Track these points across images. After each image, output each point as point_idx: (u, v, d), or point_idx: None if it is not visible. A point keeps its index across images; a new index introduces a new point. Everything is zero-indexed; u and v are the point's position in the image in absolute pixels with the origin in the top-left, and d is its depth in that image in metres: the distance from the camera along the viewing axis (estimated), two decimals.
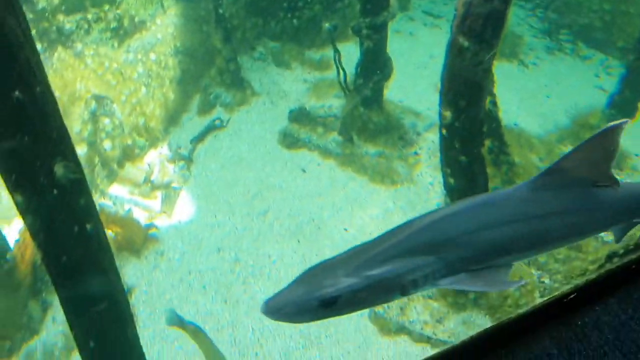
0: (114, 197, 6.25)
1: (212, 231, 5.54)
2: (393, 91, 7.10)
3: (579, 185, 2.00)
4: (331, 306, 1.74)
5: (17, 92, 2.09)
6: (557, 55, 9.19)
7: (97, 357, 2.57)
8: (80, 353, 2.59)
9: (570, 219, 2.03)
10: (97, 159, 6.48)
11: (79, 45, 7.23)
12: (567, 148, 6.10)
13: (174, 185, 6.50)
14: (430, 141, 6.23)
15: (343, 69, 6.31)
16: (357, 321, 4.29)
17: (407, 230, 1.93)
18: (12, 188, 2.29)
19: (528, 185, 2.00)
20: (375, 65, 5.98)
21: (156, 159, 6.89)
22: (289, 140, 6.82)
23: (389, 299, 1.90)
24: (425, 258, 1.86)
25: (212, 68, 8.34)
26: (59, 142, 2.30)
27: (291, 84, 8.18)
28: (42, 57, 2.18)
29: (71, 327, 2.54)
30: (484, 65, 3.26)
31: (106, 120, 6.72)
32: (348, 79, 6.34)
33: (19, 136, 2.17)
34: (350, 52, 6.97)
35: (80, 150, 6.38)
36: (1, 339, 4.07)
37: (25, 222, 2.36)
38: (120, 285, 2.65)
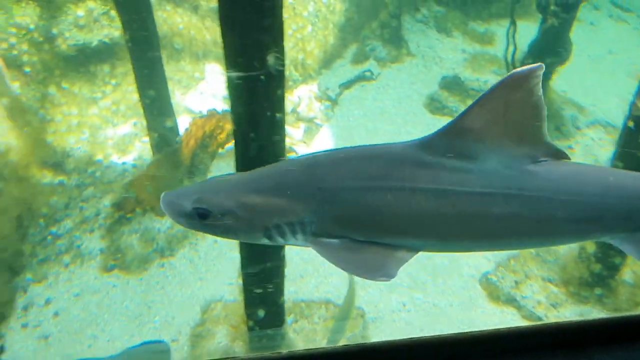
0: None
1: None
2: (558, 80, 6.65)
3: (500, 156, 1.49)
4: (205, 219, 1.65)
5: None
6: None
7: None
8: None
9: (493, 207, 1.48)
10: None
11: None
12: None
13: (316, 120, 6.92)
14: (589, 138, 5.80)
15: (515, 44, 6.05)
16: (467, 280, 4.33)
17: (294, 166, 1.67)
18: (230, 65, 2.69)
19: (422, 145, 1.56)
20: (552, 47, 5.64)
21: (305, 94, 7.35)
22: (435, 106, 6.81)
23: (254, 239, 1.69)
24: (296, 204, 1.58)
25: (373, 21, 8.50)
26: (277, 35, 2.65)
27: (448, 52, 8.04)
28: None
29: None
30: None
31: None
32: (517, 55, 6.08)
33: (250, 23, 2.55)
34: (521, 30, 6.62)
35: None
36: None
37: (229, 94, 2.78)
38: None
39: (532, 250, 4.28)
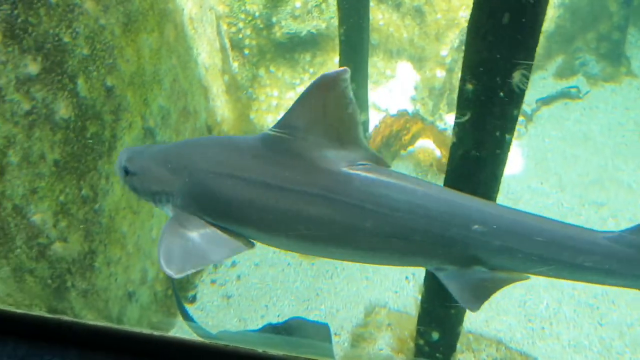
0: (448, 123, 6.58)
1: (533, 195, 5.31)
2: None
3: (321, 156, 1.56)
4: (126, 176, 1.94)
5: None
6: None
7: None
8: None
9: (306, 204, 1.55)
10: (448, 85, 6.84)
11: None
12: None
13: None
14: None
15: None
16: None
17: (185, 144, 1.96)
18: (467, 74, 2.52)
19: (264, 139, 1.66)
20: None
21: None
22: None
23: (148, 200, 1.91)
24: (169, 177, 1.80)
25: (590, 32, 7.50)
26: (531, 50, 2.40)
27: None
28: None
29: None
30: None
31: None
32: None
33: (506, 36, 2.34)
34: None
35: (440, 73, 6.81)
36: None
37: (457, 105, 2.61)
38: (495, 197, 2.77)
39: None
